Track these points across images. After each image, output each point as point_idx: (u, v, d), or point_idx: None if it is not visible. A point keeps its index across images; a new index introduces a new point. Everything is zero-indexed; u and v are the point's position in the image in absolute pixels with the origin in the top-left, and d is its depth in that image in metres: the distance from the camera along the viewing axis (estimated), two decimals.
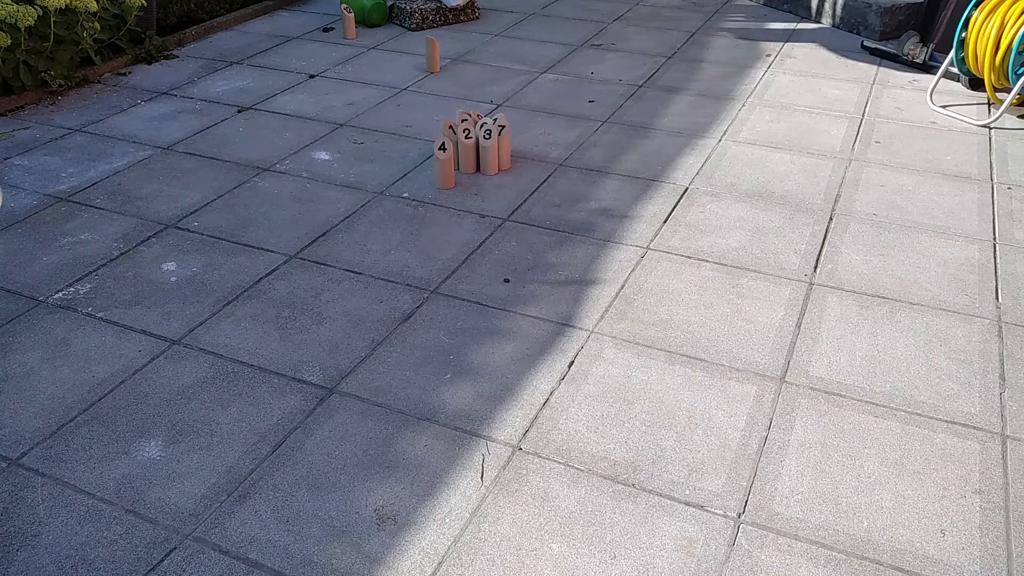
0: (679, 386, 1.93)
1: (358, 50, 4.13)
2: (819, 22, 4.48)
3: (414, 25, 4.41)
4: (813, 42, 4.18)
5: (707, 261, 2.39)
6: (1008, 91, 3.23)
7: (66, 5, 3.40)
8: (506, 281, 2.32)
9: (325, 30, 4.43)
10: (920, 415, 1.84)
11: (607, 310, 2.19)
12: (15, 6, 3.24)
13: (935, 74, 3.49)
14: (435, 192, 2.78)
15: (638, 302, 2.22)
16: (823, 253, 2.43)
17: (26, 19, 3.24)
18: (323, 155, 3.05)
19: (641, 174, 2.89)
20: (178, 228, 2.60)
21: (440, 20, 4.47)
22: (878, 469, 1.71)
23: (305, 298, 2.26)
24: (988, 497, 1.65)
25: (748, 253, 2.43)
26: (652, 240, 2.50)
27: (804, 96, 3.52)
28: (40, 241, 2.53)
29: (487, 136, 2.83)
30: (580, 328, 2.13)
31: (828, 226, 2.56)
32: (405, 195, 2.76)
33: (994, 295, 2.24)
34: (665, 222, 2.60)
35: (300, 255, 2.45)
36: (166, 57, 4.01)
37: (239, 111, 3.43)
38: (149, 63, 3.94)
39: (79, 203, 2.74)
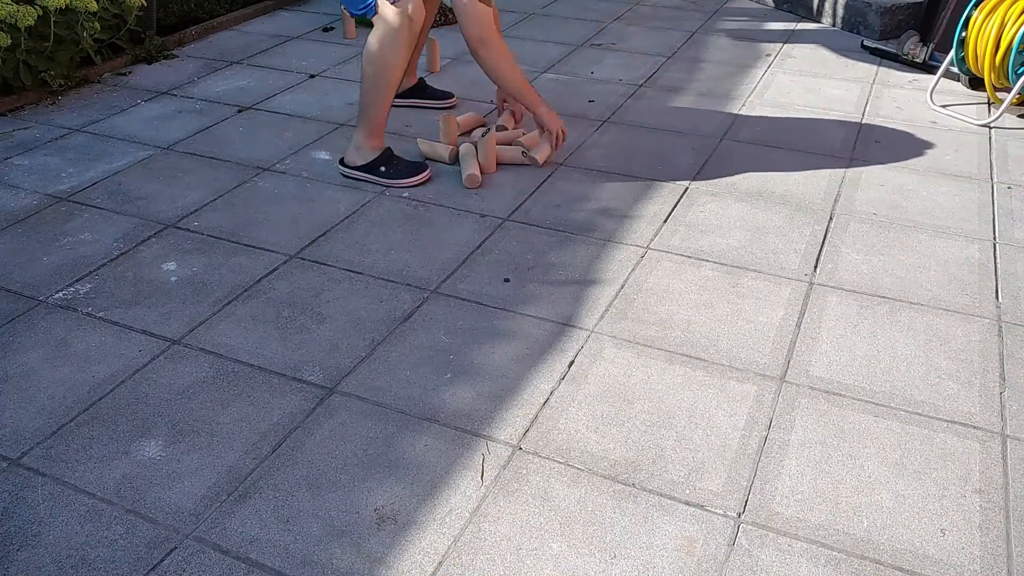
0: (679, 386, 1.93)
1: (358, 50, 4.12)
2: (819, 22, 4.48)
3: None
4: (813, 42, 4.18)
5: (707, 261, 2.40)
6: (1008, 91, 3.23)
7: (66, 5, 3.40)
8: (506, 281, 2.32)
9: (325, 30, 4.44)
10: (920, 415, 1.84)
11: (607, 310, 2.19)
12: (15, 6, 3.24)
13: (935, 74, 3.49)
14: (435, 192, 2.78)
15: (638, 302, 2.22)
16: (823, 253, 2.43)
17: (26, 19, 3.24)
18: (323, 155, 3.05)
19: (641, 174, 2.89)
20: (178, 228, 2.60)
21: (440, 20, 4.48)
22: (878, 469, 1.71)
23: (305, 298, 2.26)
24: (988, 497, 1.65)
25: (748, 253, 2.43)
26: (652, 240, 2.50)
27: (804, 96, 3.53)
28: (40, 241, 2.53)
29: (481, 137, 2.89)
30: (580, 328, 2.13)
31: (828, 226, 2.57)
32: (405, 195, 2.76)
33: (994, 295, 2.25)
34: (665, 222, 2.60)
35: (300, 255, 2.45)
36: (166, 57, 4.01)
37: (239, 111, 3.44)
38: (149, 63, 3.95)
39: (79, 203, 2.74)
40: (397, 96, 3.18)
